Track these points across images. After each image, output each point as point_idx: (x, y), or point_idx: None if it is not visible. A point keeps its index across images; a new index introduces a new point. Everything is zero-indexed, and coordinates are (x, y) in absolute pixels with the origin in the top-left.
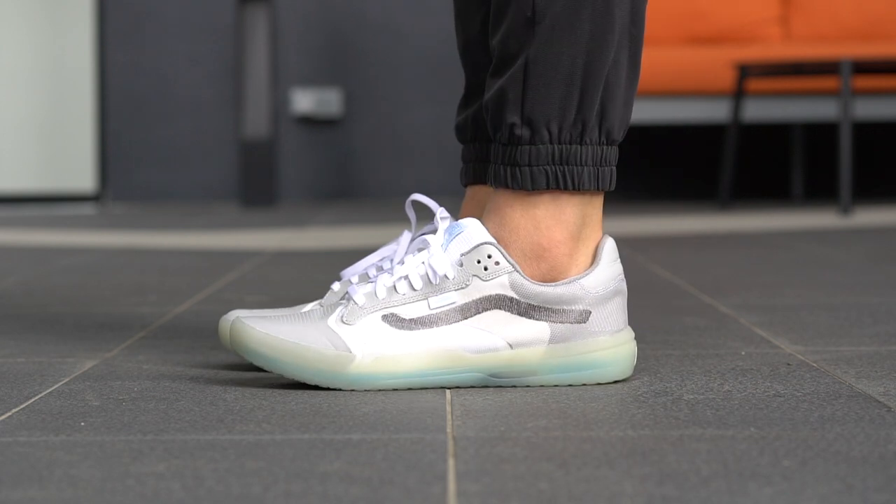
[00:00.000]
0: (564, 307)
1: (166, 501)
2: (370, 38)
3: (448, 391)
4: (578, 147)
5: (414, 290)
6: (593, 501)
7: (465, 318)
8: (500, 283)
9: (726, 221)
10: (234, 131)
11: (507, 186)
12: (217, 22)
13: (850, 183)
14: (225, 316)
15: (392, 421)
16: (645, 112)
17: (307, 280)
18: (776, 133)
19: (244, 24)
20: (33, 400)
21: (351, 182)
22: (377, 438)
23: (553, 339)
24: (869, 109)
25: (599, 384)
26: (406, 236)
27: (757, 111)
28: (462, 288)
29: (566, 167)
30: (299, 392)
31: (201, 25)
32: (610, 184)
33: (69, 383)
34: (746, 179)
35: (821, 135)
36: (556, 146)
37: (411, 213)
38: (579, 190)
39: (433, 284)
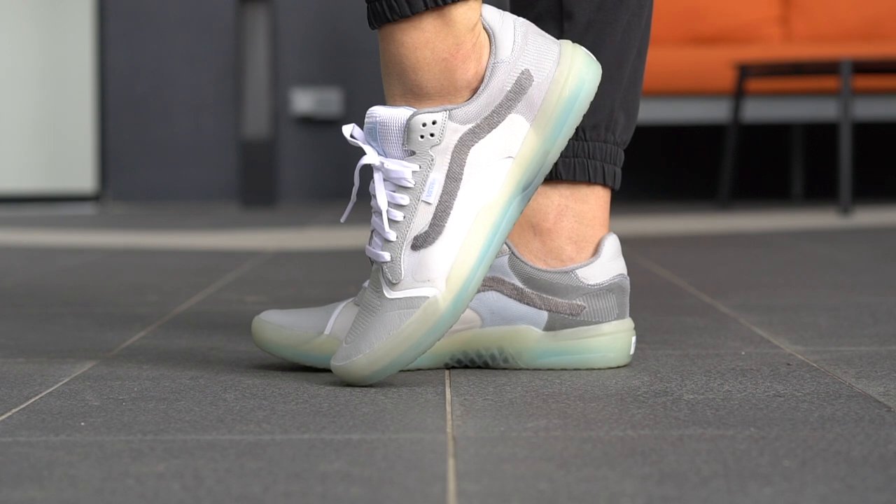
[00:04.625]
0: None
1: (166, 501)
2: (370, 38)
3: (448, 391)
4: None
5: (403, 206)
6: (593, 501)
7: (460, 180)
8: (451, 146)
9: (726, 221)
10: (234, 131)
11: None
12: (217, 22)
13: (850, 183)
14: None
15: (392, 421)
16: (645, 112)
17: (307, 280)
18: (776, 133)
19: (244, 24)
20: (33, 400)
21: (351, 182)
22: (377, 438)
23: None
24: (869, 109)
25: (599, 383)
26: None
27: (757, 111)
28: (431, 165)
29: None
30: (299, 392)
31: (201, 25)
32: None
33: (69, 383)
34: (746, 179)
35: (821, 135)
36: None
37: None
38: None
39: (412, 185)
